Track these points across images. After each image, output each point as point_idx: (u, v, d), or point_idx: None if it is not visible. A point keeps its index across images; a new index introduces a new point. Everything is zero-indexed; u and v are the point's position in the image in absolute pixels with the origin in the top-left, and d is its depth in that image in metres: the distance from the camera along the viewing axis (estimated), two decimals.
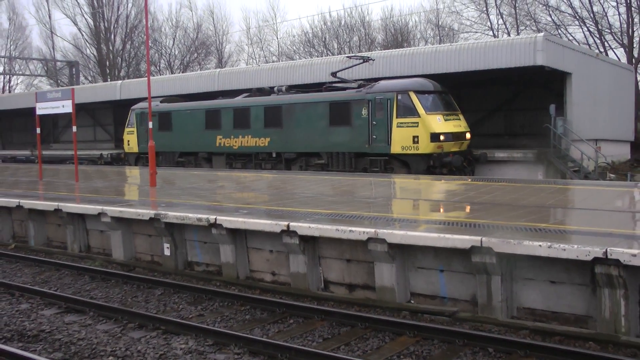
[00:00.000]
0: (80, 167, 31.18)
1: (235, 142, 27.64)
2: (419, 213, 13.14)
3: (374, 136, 22.86)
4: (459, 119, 23.35)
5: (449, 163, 21.71)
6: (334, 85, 25.82)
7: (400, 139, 22.17)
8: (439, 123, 22.00)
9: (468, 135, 23.37)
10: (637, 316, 8.27)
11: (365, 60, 26.48)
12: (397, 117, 22.30)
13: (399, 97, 22.32)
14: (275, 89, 27.61)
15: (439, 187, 17.61)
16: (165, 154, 30.60)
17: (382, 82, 23.81)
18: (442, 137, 21.75)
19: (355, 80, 25.49)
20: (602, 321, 8.36)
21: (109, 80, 61.07)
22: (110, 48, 67.48)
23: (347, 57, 27.83)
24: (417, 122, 21.82)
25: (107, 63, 67.12)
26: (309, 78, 29.44)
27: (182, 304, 10.64)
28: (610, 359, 7.45)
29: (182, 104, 30.94)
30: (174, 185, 19.87)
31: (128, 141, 32.89)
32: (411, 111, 22.06)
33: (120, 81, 45.78)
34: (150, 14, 64.24)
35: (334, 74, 26.20)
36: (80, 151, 38.47)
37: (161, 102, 31.46)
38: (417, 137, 21.77)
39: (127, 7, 65.94)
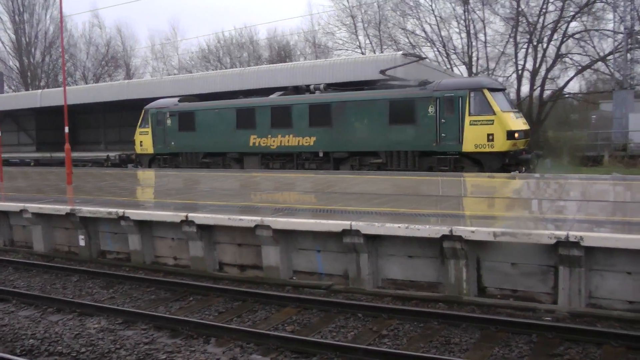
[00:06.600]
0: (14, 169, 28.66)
1: (274, 141, 22.65)
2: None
3: (443, 134, 19.09)
4: (523, 117, 20.34)
5: (527, 160, 18.88)
6: (389, 82, 21.61)
7: (474, 137, 18.62)
8: (514, 121, 18.83)
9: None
10: (475, 280, 8.59)
11: (420, 58, 23.14)
12: (469, 115, 18.74)
13: (472, 94, 18.76)
14: (312, 87, 23.16)
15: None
16: (187, 154, 25.19)
17: (448, 80, 20.23)
18: (516, 135, 18.50)
19: (409, 79, 21.51)
20: (449, 286, 8.62)
21: (30, 89, 57.84)
22: (31, 60, 64.15)
23: (403, 54, 23.53)
24: (493, 120, 18.42)
25: (29, 74, 63.77)
26: (351, 76, 24.71)
27: (95, 289, 10.17)
28: (455, 315, 7.71)
29: (209, 102, 25.23)
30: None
31: (141, 142, 26.58)
32: (486, 109, 18.61)
33: (40, 90, 43.24)
34: (66, 30, 61.30)
35: (382, 72, 22.04)
36: (87, 153, 34.65)
37: (179, 101, 25.92)
38: (493, 135, 18.39)
39: (45, 24, 62.95)
